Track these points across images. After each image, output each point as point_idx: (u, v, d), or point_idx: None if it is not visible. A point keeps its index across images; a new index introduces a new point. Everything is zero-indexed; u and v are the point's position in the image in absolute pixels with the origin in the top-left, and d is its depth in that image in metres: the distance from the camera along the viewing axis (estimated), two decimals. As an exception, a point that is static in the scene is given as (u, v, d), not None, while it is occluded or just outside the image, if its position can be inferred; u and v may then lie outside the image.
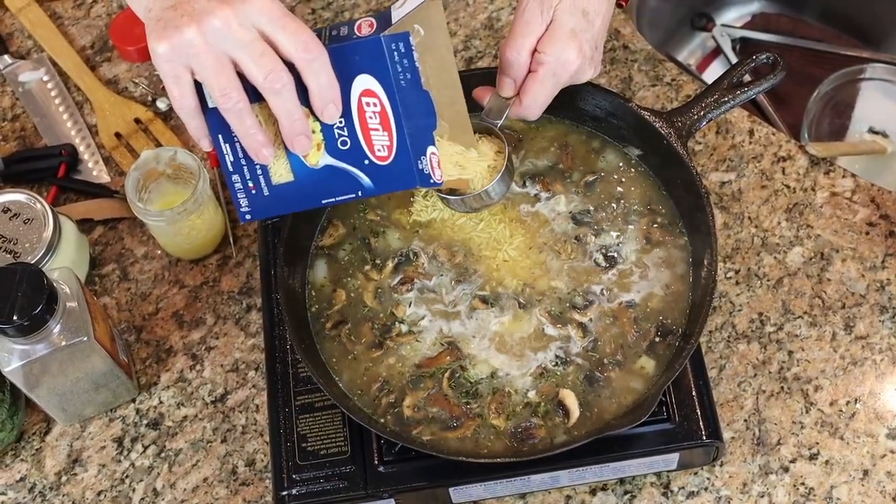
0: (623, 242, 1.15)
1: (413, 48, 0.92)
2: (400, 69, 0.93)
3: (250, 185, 1.00)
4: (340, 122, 0.96)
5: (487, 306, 1.12)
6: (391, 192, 1.01)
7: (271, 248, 1.19)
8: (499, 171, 1.06)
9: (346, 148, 0.97)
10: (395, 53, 0.92)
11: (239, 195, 1.01)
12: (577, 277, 1.13)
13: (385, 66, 0.93)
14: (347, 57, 0.93)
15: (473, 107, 1.07)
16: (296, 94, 0.91)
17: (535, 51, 1.05)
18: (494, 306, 1.12)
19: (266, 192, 1.00)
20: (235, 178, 1.00)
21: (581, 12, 1.04)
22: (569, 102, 1.19)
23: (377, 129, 0.96)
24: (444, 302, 1.13)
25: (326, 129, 0.96)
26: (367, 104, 0.95)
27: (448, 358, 1.10)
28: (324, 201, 1.01)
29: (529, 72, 1.06)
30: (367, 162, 0.97)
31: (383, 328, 1.12)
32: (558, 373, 1.09)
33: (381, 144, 0.96)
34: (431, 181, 0.98)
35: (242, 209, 1.01)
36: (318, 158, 0.98)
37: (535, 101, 1.06)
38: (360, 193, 0.99)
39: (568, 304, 1.12)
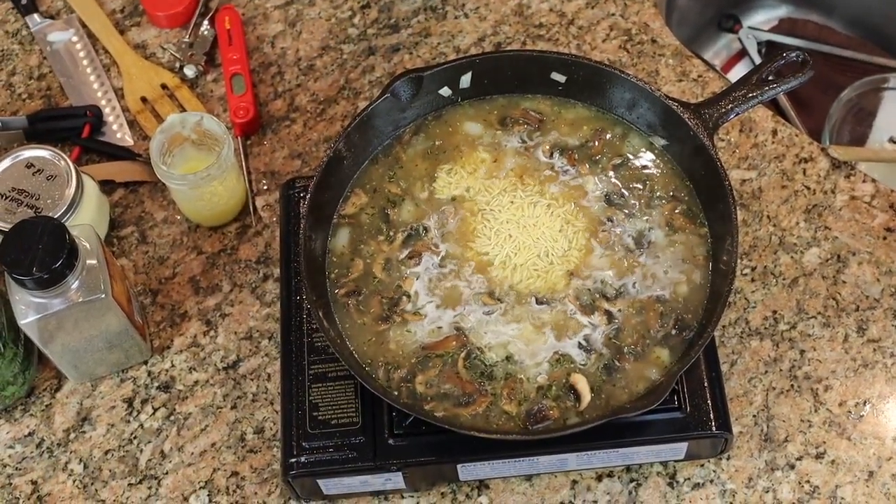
0: (652, 228, 1.14)
1: None
2: None
3: None
4: None
5: (497, 302, 1.11)
6: None
7: (293, 216, 1.19)
8: None
9: None
10: None
11: None
12: (607, 264, 1.12)
13: None
14: None
15: None
16: None
17: None
18: (504, 301, 1.11)
19: None
20: None
21: None
22: (597, 90, 1.19)
23: None
24: (452, 287, 1.12)
25: None
26: None
27: (454, 343, 1.09)
28: None
29: None
30: None
31: (391, 301, 1.12)
32: (578, 359, 1.08)
33: None
34: None
35: None
36: None
37: None
38: None
39: (599, 294, 1.11)
